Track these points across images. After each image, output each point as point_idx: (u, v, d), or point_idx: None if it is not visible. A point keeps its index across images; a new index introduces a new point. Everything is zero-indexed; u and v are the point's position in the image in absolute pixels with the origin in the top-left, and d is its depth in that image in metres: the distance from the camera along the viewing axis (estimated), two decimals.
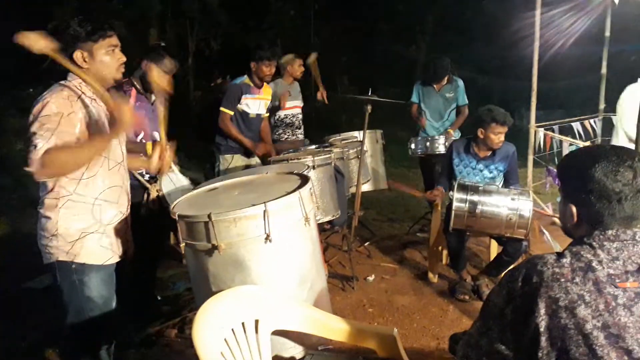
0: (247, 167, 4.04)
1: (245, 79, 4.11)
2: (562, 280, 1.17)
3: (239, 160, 4.10)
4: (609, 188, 1.21)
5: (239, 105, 4.05)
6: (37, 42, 1.76)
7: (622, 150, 1.28)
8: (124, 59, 2.03)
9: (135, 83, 2.92)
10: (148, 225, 2.73)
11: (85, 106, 1.91)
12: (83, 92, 1.93)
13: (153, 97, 2.93)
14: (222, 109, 3.99)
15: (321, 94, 5.02)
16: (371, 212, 5.71)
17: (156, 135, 2.79)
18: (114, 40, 1.98)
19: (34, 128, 1.76)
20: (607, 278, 1.16)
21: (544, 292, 1.16)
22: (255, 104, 4.15)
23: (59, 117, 1.79)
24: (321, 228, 3.79)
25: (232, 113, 4.02)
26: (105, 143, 1.94)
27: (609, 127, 5.54)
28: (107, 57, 1.96)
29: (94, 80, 1.95)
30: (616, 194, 1.21)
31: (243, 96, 4.05)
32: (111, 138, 1.96)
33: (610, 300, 1.13)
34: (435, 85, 4.80)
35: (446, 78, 4.79)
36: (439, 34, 14.12)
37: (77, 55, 1.91)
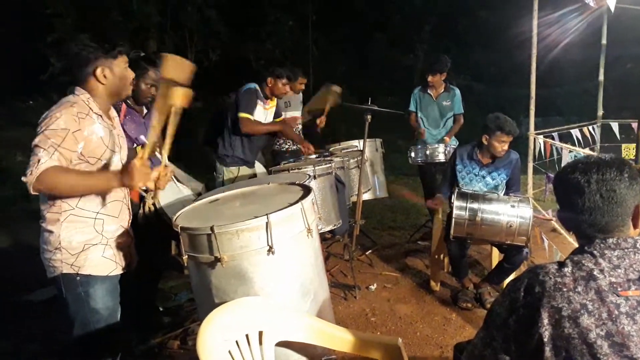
0: (252, 177, 3.92)
1: (256, 85, 3.84)
2: (565, 289, 1.18)
3: (244, 171, 3.96)
4: (574, 198, 1.27)
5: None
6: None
7: (593, 160, 1.30)
8: (133, 74, 2.09)
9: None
10: (147, 235, 2.72)
11: (92, 123, 1.93)
12: (91, 108, 1.94)
13: (145, 111, 2.92)
14: (242, 114, 3.68)
15: (321, 121, 4.92)
16: (372, 220, 5.72)
17: (142, 138, 2.78)
18: (126, 57, 2.04)
19: (38, 140, 1.77)
20: (609, 287, 1.16)
21: (547, 302, 1.17)
22: (264, 114, 3.93)
23: (65, 132, 1.80)
24: (322, 237, 3.78)
25: (252, 117, 3.72)
26: (106, 186, 1.94)
27: (607, 133, 5.59)
28: (125, 72, 2.02)
29: (107, 96, 2.00)
30: (582, 205, 1.26)
31: (257, 101, 3.80)
32: (113, 186, 1.95)
33: (613, 309, 1.14)
34: (432, 93, 4.82)
35: (443, 86, 4.82)
36: (436, 42, 14.22)
37: (99, 72, 1.94)
